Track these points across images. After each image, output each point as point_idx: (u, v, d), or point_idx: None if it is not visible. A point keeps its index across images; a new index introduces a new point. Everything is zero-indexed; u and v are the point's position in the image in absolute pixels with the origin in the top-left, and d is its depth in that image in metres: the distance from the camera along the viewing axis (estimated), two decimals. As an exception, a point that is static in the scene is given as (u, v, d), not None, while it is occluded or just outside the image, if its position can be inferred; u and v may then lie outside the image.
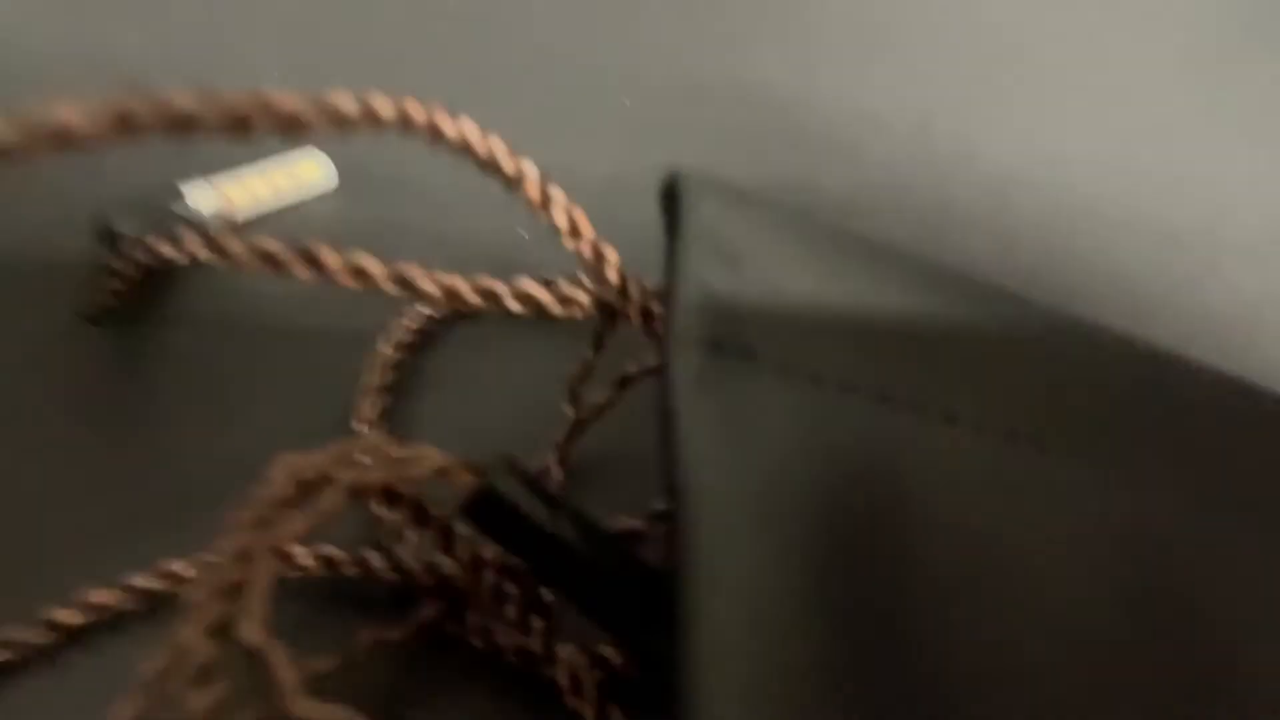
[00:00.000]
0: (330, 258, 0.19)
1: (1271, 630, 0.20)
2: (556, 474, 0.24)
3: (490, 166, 0.19)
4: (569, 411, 0.24)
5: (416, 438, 0.25)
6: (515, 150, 0.19)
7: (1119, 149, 0.39)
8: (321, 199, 0.30)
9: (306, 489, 0.18)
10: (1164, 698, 0.18)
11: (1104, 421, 0.21)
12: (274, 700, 0.15)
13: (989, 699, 0.17)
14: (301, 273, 0.19)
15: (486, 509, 0.18)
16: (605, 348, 0.24)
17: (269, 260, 0.19)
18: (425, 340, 0.27)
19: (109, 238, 0.27)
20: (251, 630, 0.15)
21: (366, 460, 0.18)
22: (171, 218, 0.28)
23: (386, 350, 0.26)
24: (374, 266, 0.19)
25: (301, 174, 0.30)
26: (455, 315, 0.28)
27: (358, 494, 0.18)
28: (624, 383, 0.25)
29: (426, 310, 0.27)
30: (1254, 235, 0.35)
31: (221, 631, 0.15)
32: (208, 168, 0.30)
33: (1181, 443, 0.21)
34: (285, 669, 0.14)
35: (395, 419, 0.25)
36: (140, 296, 0.27)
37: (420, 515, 0.20)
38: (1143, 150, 0.39)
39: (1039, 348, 0.21)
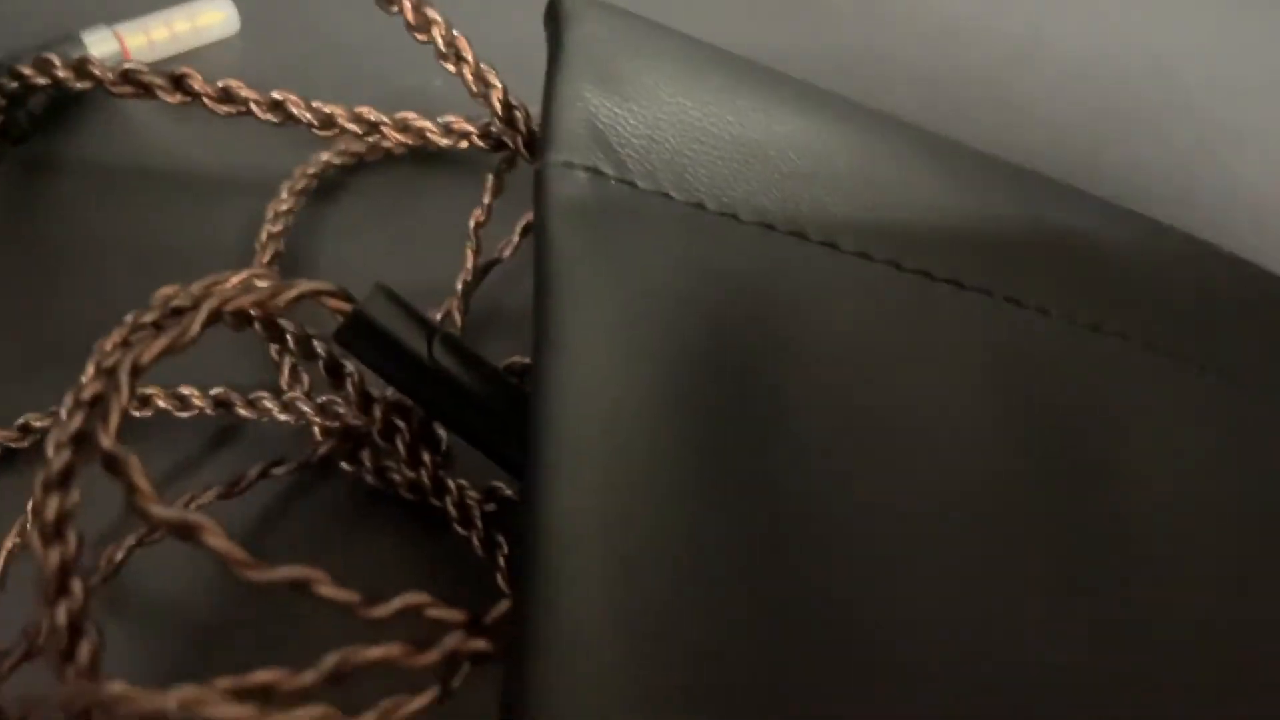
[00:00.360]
0: (197, 81, 0.18)
1: (1153, 461, 0.20)
2: (458, 318, 0.24)
3: (359, -17, 0.18)
4: (470, 256, 0.24)
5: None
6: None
7: None
8: (225, 45, 0.29)
9: (176, 314, 0.18)
10: (1040, 518, 0.18)
11: (994, 253, 0.21)
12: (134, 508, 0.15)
13: (859, 527, 0.17)
14: (168, 96, 0.18)
15: (360, 335, 0.18)
16: (504, 190, 0.24)
17: (132, 81, 0.18)
18: (328, 187, 0.27)
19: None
20: (106, 438, 0.15)
21: (238, 288, 0.18)
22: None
23: (286, 197, 0.25)
24: (245, 91, 0.19)
25: (203, 19, 0.29)
26: (360, 163, 0.27)
27: (226, 318, 0.18)
28: (528, 229, 0.25)
29: (328, 157, 0.26)
30: (1190, 88, 0.35)
31: (79, 440, 0.15)
32: (111, 16, 0.29)
33: (1081, 274, 0.22)
34: (139, 476, 0.14)
35: (296, 266, 0.25)
36: (39, 143, 0.26)
37: (306, 349, 0.20)
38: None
39: (931, 178, 0.21)
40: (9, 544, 0.19)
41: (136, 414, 0.22)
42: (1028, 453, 0.19)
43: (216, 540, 0.14)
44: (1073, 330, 0.20)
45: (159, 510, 0.14)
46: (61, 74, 0.18)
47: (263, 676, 0.14)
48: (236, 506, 0.21)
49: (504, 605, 0.16)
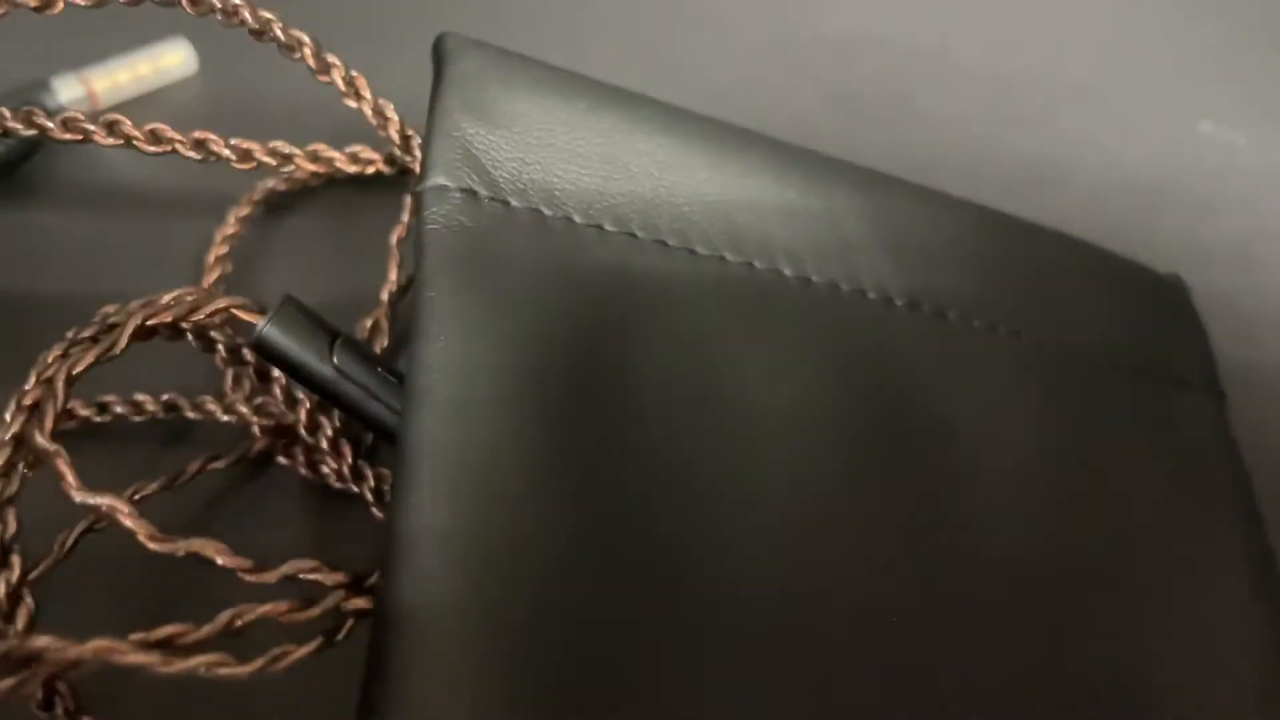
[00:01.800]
0: (126, 125, 0.21)
1: (974, 420, 0.22)
2: (385, 325, 0.27)
3: (265, 35, 0.21)
4: (394, 269, 0.27)
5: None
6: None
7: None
8: (184, 84, 0.32)
9: (111, 329, 0.20)
10: (884, 513, 0.21)
11: (840, 250, 0.23)
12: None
13: (703, 487, 0.19)
14: (103, 140, 0.21)
15: (269, 344, 0.21)
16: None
17: (72, 128, 0.21)
18: (275, 209, 0.29)
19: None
20: (41, 437, 0.18)
21: (167, 304, 0.21)
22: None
23: (232, 222, 0.28)
24: (170, 133, 0.22)
25: (164, 61, 0.32)
26: (303, 188, 0.30)
27: (162, 330, 0.20)
28: (448, 242, 0.27)
29: (273, 183, 0.29)
30: (1088, 76, 0.37)
31: (18, 441, 0.18)
32: (79, 62, 0.32)
33: (914, 261, 0.24)
34: (66, 468, 0.17)
35: (242, 284, 0.28)
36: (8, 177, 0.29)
37: (237, 357, 0.23)
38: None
39: (782, 186, 0.23)
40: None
41: (97, 419, 0.24)
42: (862, 419, 0.21)
43: (128, 519, 0.17)
44: (908, 311, 0.23)
45: (81, 495, 0.17)
46: (11, 124, 0.21)
47: (167, 630, 0.16)
48: (183, 501, 0.24)
49: (378, 574, 0.18)
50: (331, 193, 0.30)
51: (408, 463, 0.17)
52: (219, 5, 0.20)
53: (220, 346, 0.23)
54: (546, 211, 0.21)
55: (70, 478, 0.17)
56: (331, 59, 0.22)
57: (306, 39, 0.21)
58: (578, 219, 0.21)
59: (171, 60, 0.32)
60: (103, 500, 0.17)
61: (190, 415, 0.25)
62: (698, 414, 0.20)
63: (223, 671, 0.16)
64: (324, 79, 0.22)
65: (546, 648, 0.16)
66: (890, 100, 0.35)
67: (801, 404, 0.21)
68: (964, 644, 0.20)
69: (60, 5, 0.17)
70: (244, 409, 0.24)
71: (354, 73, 0.22)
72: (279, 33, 0.21)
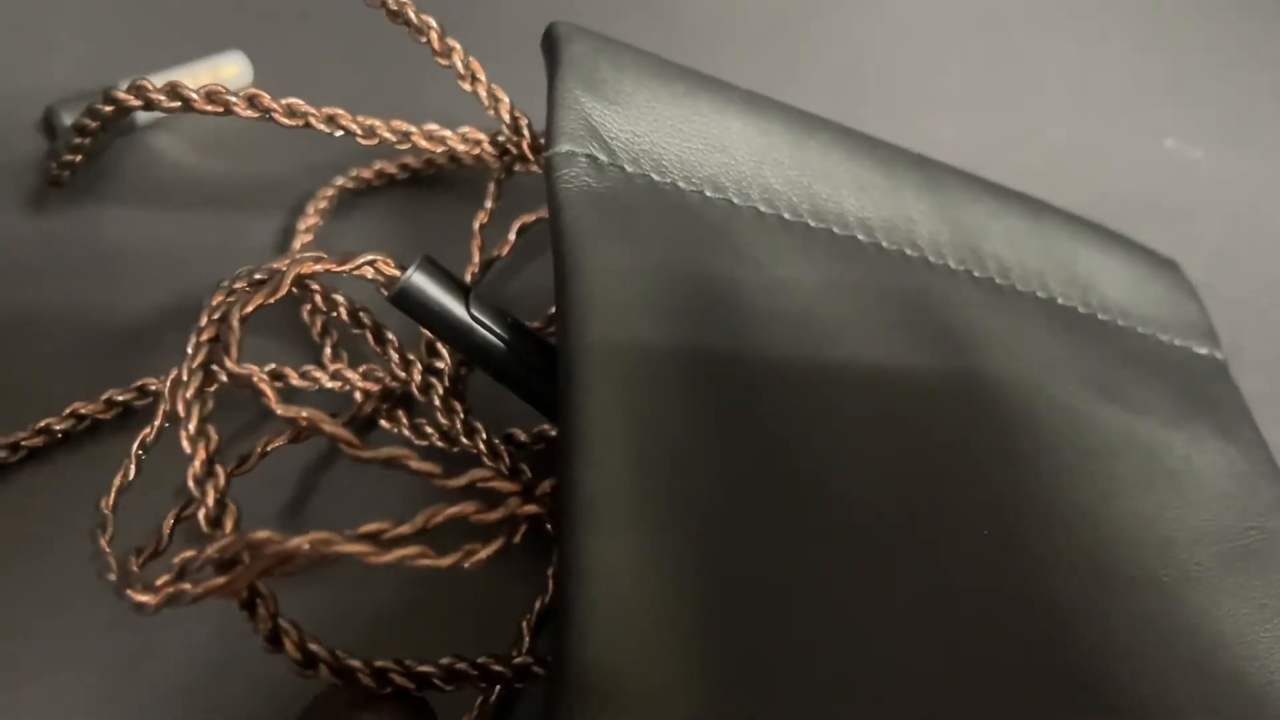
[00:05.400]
0: (265, 99, 0.23)
1: (1003, 355, 0.25)
2: (468, 304, 0.28)
3: (399, 17, 0.23)
4: (476, 251, 0.29)
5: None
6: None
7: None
8: (242, 94, 0.34)
9: (258, 284, 0.22)
10: (957, 431, 0.23)
11: (905, 220, 0.26)
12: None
13: (807, 428, 0.21)
14: (242, 112, 0.23)
15: (410, 297, 0.22)
16: (503, 194, 0.29)
17: (215, 100, 0.22)
18: (343, 208, 0.31)
19: (53, 128, 0.30)
20: (231, 362, 0.19)
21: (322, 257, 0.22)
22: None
23: (311, 213, 0.30)
24: (305, 108, 0.23)
25: (222, 72, 0.33)
26: (367, 187, 0.32)
27: (302, 284, 0.22)
28: (523, 229, 0.29)
29: (342, 181, 0.31)
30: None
31: (207, 366, 0.19)
32: (140, 71, 0.33)
33: (959, 232, 0.27)
34: (265, 383, 0.19)
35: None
36: (94, 177, 0.30)
37: (356, 319, 0.25)
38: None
39: (851, 163, 0.26)
40: (118, 482, 0.22)
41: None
42: (930, 358, 0.24)
43: (332, 428, 0.18)
44: (966, 276, 0.26)
45: (283, 410, 0.18)
46: (154, 95, 0.23)
47: (372, 526, 0.18)
48: (290, 459, 0.25)
49: (548, 482, 0.20)
50: (394, 192, 0.32)
51: (574, 375, 0.19)
52: (368, -14, 0.22)
53: (342, 308, 0.24)
54: (656, 178, 0.24)
55: (271, 394, 0.18)
56: (452, 43, 0.24)
57: (434, 23, 0.23)
58: (683, 185, 0.24)
59: (228, 71, 0.34)
60: (304, 413, 0.18)
61: (296, 384, 0.26)
62: (798, 345, 0.22)
63: (424, 562, 0.18)
64: (443, 62, 0.24)
65: (712, 559, 0.18)
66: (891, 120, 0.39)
67: (882, 345, 0.24)
68: (1031, 546, 0.22)
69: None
70: (350, 374, 0.26)
71: (470, 58, 0.24)
72: (412, 16, 0.23)
